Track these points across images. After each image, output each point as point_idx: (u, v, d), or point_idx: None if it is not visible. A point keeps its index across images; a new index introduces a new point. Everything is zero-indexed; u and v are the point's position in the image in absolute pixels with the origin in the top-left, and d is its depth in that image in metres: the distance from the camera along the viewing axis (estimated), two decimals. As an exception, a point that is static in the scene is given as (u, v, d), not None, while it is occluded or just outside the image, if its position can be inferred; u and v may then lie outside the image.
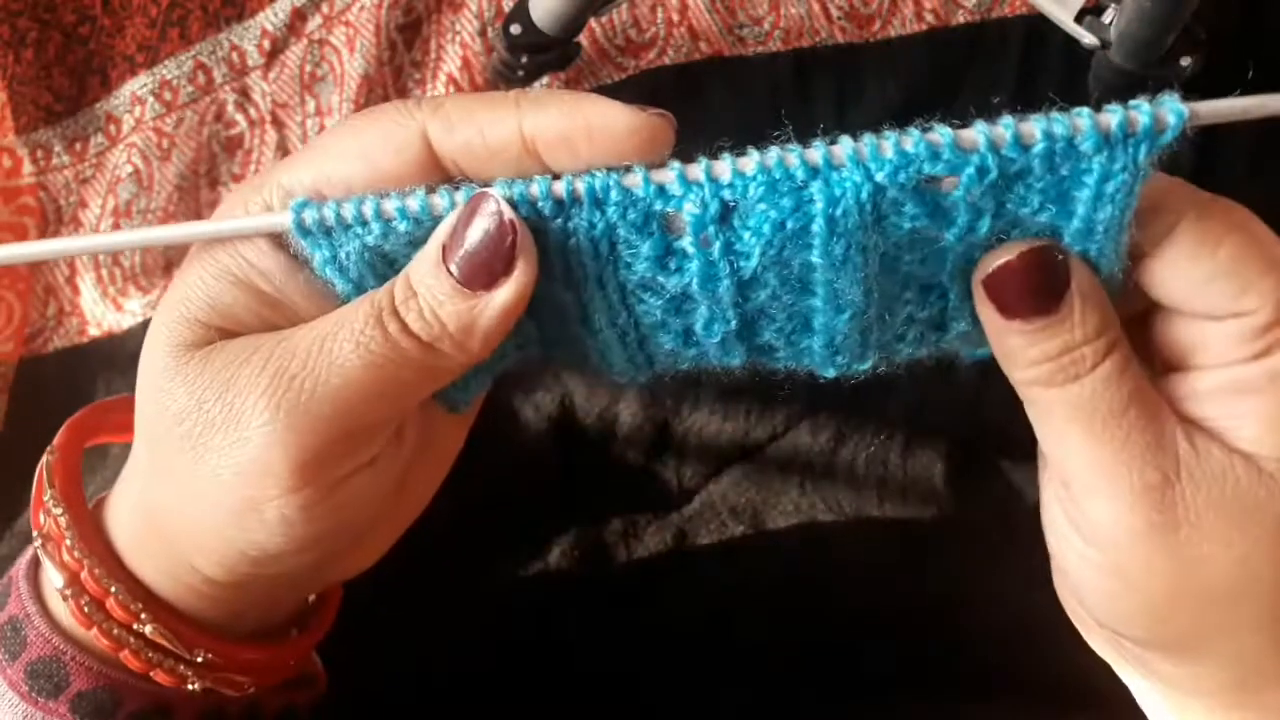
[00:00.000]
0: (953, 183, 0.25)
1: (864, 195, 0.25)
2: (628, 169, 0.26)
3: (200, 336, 0.29)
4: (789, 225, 0.26)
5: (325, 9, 0.73)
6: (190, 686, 0.32)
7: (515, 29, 0.62)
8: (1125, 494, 0.26)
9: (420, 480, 0.34)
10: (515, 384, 0.56)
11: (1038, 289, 0.26)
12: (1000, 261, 0.26)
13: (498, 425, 0.56)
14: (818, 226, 0.26)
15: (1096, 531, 0.27)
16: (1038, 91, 0.58)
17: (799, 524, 0.52)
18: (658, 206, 0.26)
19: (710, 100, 0.66)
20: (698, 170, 0.26)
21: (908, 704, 0.45)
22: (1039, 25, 0.55)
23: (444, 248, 0.27)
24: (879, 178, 0.25)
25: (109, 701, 0.32)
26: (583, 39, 0.66)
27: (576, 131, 0.26)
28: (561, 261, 0.28)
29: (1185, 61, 0.48)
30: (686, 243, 0.27)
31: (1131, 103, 0.24)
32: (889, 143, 0.25)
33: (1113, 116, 0.24)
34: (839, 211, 0.25)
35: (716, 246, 0.27)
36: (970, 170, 0.25)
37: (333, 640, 0.41)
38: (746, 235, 0.26)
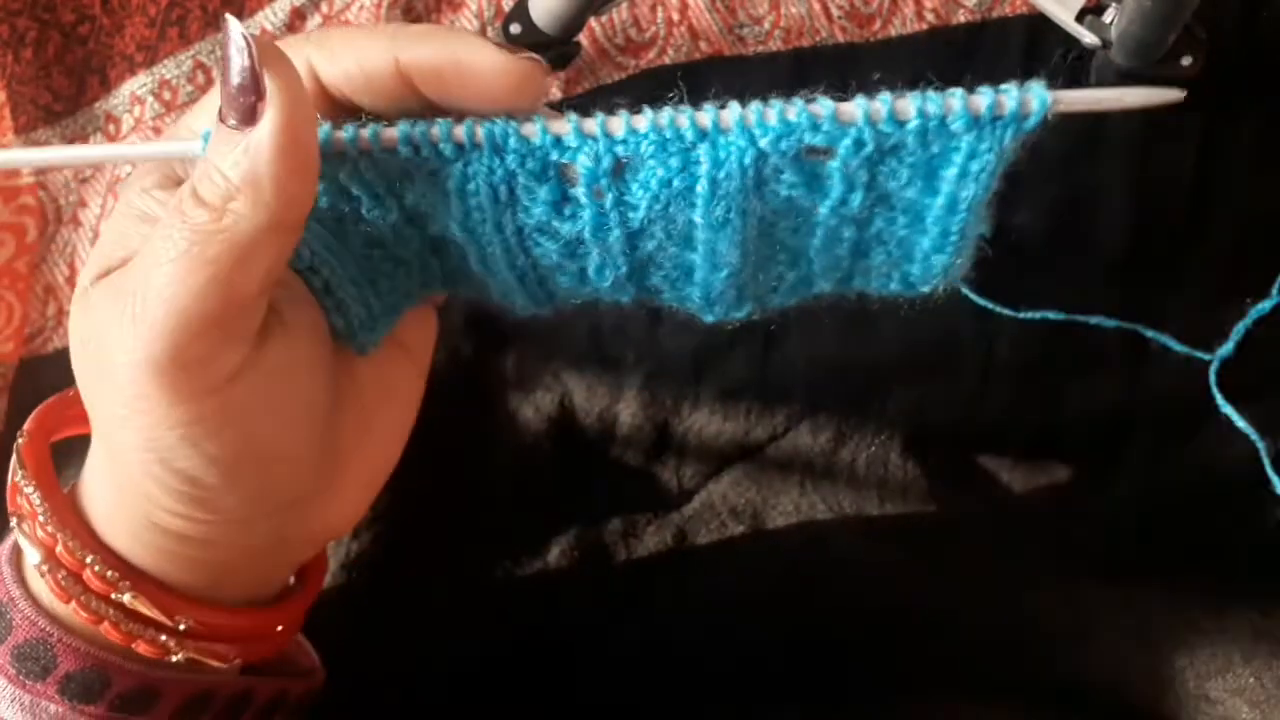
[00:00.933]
0: (831, 154, 0.26)
1: (747, 160, 0.26)
2: (527, 118, 0.27)
3: (107, 270, 0.29)
4: (675, 183, 0.27)
5: (325, 8, 0.73)
6: (174, 658, 0.32)
7: (515, 28, 0.62)
8: None
9: (382, 428, 0.34)
10: (515, 384, 0.56)
11: None
12: None
13: (497, 425, 0.56)
14: (702, 187, 0.27)
15: None
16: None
17: (799, 524, 0.52)
18: (554, 156, 0.27)
19: (710, 100, 0.65)
20: (593, 125, 0.27)
21: (908, 704, 0.45)
22: (1040, 25, 0.55)
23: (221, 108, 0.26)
24: (762, 144, 0.26)
25: (97, 682, 0.32)
26: (582, 38, 0.66)
27: (446, 66, 0.26)
28: (461, 205, 0.29)
29: (1185, 61, 0.48)
30: (580, 193, 0.28)
31: (1001, 87, 0.25)
32: (773, 111, 0.26)
33: (983, 99, 0.25)
34: (722, 174, 0.27)
35: (609, 198, 0.28)
36: (848, 142, 0.26)
37: (331, 639, 0.41)
38: (635, 188, 0.28)
